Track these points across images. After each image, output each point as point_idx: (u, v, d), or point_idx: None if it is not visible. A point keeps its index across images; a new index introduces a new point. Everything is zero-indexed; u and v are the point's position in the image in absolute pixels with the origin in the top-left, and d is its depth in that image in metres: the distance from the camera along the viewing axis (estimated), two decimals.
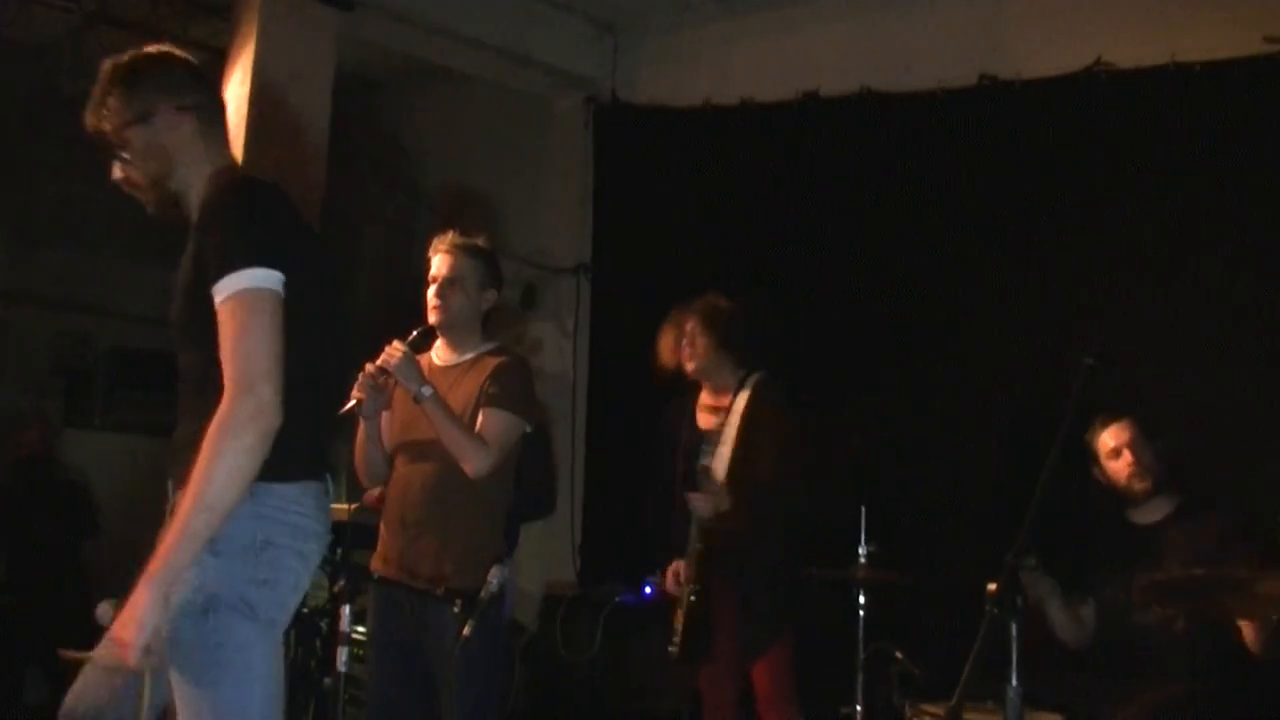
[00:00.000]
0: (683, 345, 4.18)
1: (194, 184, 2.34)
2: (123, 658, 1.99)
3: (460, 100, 6.94)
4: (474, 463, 3.35)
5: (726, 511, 3.93)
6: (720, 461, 4.02)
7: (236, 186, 2.29)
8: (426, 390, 3.32)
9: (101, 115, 2.31)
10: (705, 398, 4.26)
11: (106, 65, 2.35)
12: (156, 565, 2.01)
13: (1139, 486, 3.75)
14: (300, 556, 2.24)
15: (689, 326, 4.17)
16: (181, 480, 2.12)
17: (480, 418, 3.42)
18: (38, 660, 5.69)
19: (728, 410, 4.12)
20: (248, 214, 2.22)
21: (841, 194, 5.42)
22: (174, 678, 2.16)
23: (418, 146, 7.30)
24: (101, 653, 2.17)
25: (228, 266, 2.11)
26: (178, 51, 2.42)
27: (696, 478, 4.02)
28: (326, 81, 5.41)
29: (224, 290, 2.11)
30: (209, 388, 2.13)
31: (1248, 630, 3.37)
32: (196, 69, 2.42)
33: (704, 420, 4.21)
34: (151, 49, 2.40)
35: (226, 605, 2.12)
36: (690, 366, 4.17)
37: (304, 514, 2.24)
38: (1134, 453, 3.76)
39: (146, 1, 5.46)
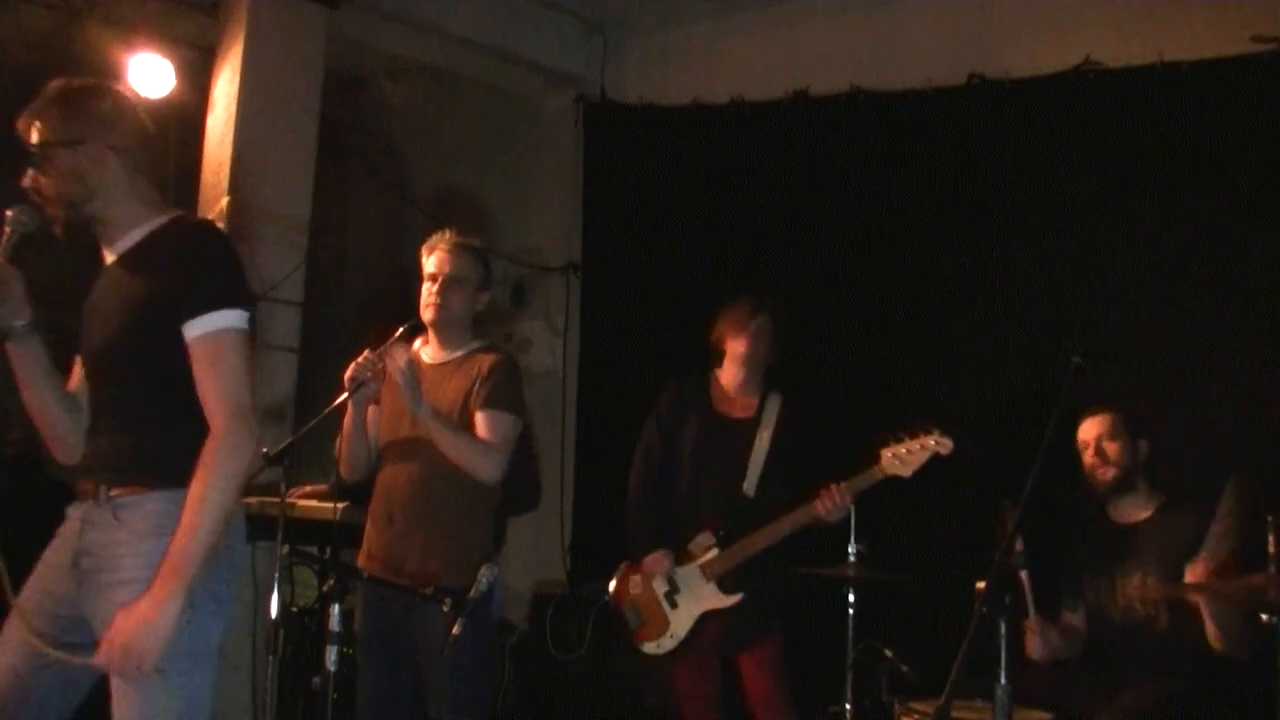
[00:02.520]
0: (750, 334, 4.14)
1: (119, 220, 2.49)
2: (141, 668, 2.21)
3: (449, 99, 6.92)
4: (486, 469, 3.38)
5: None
6: (756, 462, 4.04)
7: (209, 233, 2.53)
8: (426, 409, 3.32)
9: (34, 125, 2.44)
10: (724, 388, 4.22)
11: (58, 83, 2.51)
12: (175, 576, 2.24)
13: (1102, 477, 3.77)
14: (242, 555, 2.55)
15: (760, 318, 4.15)
16: (117, 483, 2.36)
17: (480, 420, 3.42)
18: None
19: (758, 410, 4.13)
20: (223, 259, 2.44)
21: (831, 193, 5.42)
22: (131, 678, 2.29)
23: (406, 145, 7.28)
24: (113, 662, 2.24)
25: (209, 305, 2.34)
26: (129, 94, 2.59)
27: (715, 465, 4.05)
28: (315, 80, 5.40)
29: (203, 327, 2.33)
30: (154, 406, 2.39)
31: (1211, 629, 3.38)
32: (139, 116, 2.54)
33: (725, 407, 4.18)
34: (109, 84, 2.57)
35: (202, 603, 2.34)
36: (749, 354, 4.13)
37: (240, 519, 2.50)
38: (1100, 445, 3.77)
39: None
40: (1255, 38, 4.40)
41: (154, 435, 2.39)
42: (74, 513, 2.46)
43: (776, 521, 3.90)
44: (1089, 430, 3.81)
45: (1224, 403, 4.35)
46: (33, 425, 2.54)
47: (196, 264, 2.39)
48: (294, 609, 4.67)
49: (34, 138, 2.44)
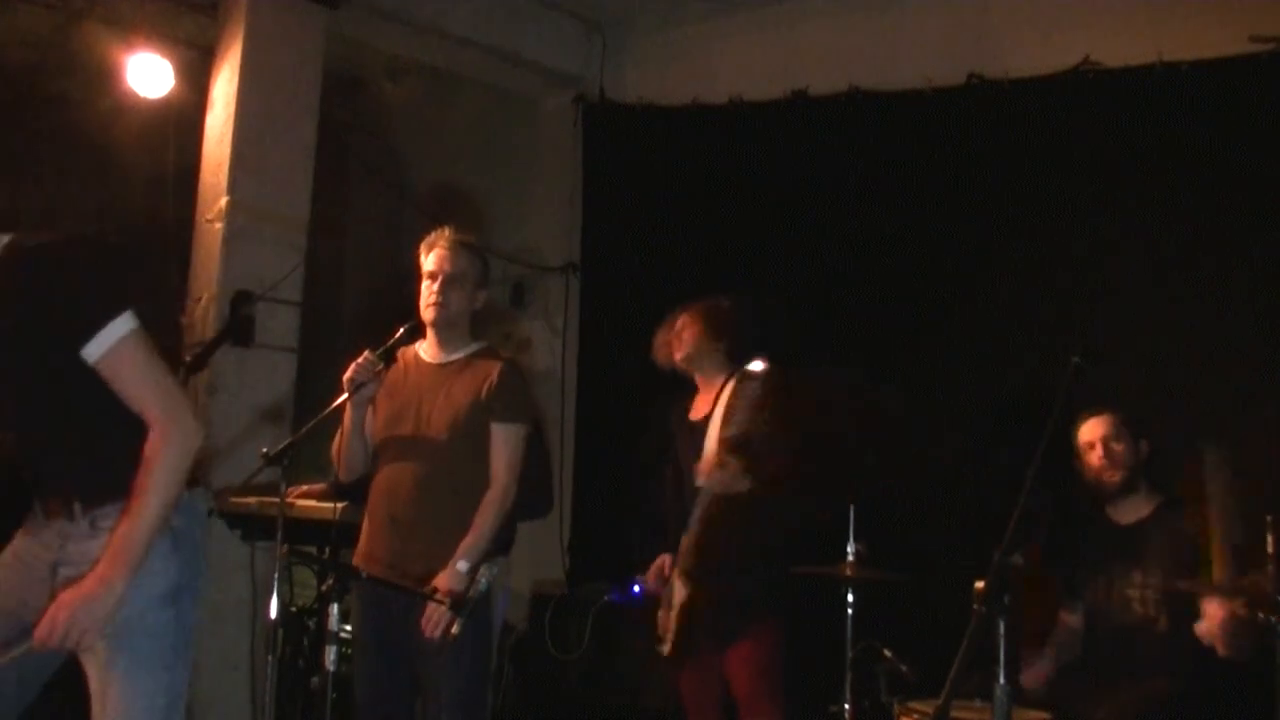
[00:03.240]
0: (673, 337, 4.17)
1: None
2: (78, 644, 2.29)
3: (448, 99, 6.92)
4: (513, 494, 3.42)
5: (734, 493, 3.88)
6: (708, 452, 4.00)
7: (58, 249, 2.41)
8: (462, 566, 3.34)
9: None
10: (699, 393, 4.24)
11: None
12: (123, 559, 2.30)
13: (1108, 479, 3.77)
14: (203, 541, 2.60)
15: (681, 319, 4.18)
16: (87, 501, 2.42)
17: (497, 434, 3.45)
18: None
19: (715, 399, 4.11)
20: (86, 265, 2.41)
21: (830, 192, 5.42)
22: (121, 664, 2.37)
23: (406, 145, 7.28)
24: (52, 635, 2.29)
25: (94, 328, 2.32)
26: None
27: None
28: (314, 80, 5.40)
29: (99, 348, 2.33)
30: (89, 425, 2.42)
31: (1215, 629, 3.37)
32: None
33: (695, 412, 4.20)
34: None
35: (186, 593, 2.46)
36: (678, 355, 4.16)
37: (200, 506, 2.59)
38: (1105, 446, 3.77)
39: None
40: (1254, 38, 4.40)
41: (101, 450, 2.44)
42: (43, 533, 2.50)
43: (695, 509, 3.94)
44: (1093, 431, 3.81)
45: (1224, 403, 4.35)
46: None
47: (61, 292, 2.35)
48: (293, 609, 4.67)
49: None
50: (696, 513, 3.93)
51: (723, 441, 3.84)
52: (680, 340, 4.15)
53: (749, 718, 3.93)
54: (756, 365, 3.81)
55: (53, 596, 2.38)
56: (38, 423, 2.47)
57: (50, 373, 2.38)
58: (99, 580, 2.29)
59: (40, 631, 2.29)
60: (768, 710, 3.91)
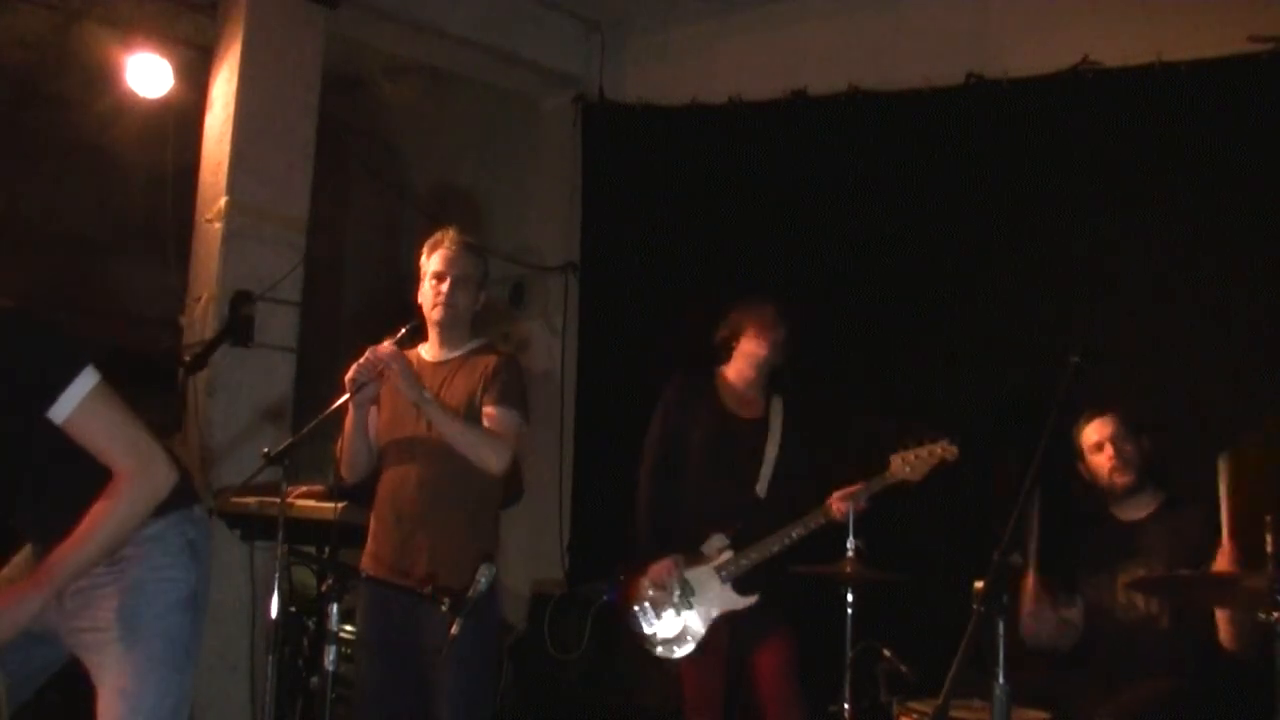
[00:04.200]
0: (775, 340, 4.17)
1: None
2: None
3: (447, 99, 6.92)
4: (494, 459, 3.38)
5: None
6: (768, 463, 4.10)
7: (10, 319, 2.41)
8: (428, 396, 3.33)
9: None
10: (730, 386, 4.22)
11: None
12: (45, 579, 2.32)
13: (1121, 480, 3.77)
14: (209, 551, 2.67)
15: (784, 329, 4.18)
16: (49, 543, 2.41)
17: (490, 415, 3.43)
18: None
19: (764, 411, 4.18)
20: (37, 331, 2.42)
21: (829, 192, 5.42)
22: (137, 664, 2.43)
23: (405, 145, 7.28)
24: None
25: (55, 390, 2.33)
26: None
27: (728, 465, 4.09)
28: (313, 80, 5.40)
29: (64, 409, 2.34)
30: (71, 479, 2.41)
31: (1225, 628, 3.38)
32: None
33: (736, 407, 4.19)
34: None
35: (199, 602, 2.56)
36: (766, 355, 4.17)
37: (203, 520, 2.68)
38: (1116, 446, 3.77)
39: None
40: (1252, 38, 4.40)
41: (73, 497, 2.42)
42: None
43: (791, 524, 3.96)
44: (1100, 432, 3.80)
45: (1223, 402, 4.35)
46: None
47: (16, 360, 2.37)
48: (292, 609, 4.67)
49: None
50: (788, 529, 3.96)
51: (889, 486, 3.95)
52: (778, 349, 4.18)
53: (780, 712, 3.97)
54: (948, 436, 3.95)
55: (59, 614, 2.46)
56: (5, 480, 2.50)
57: (13, 436, 2.41)
58: (17, 593, 2.31)
59: None
60: (798, 705, 3.98)
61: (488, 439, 3.39)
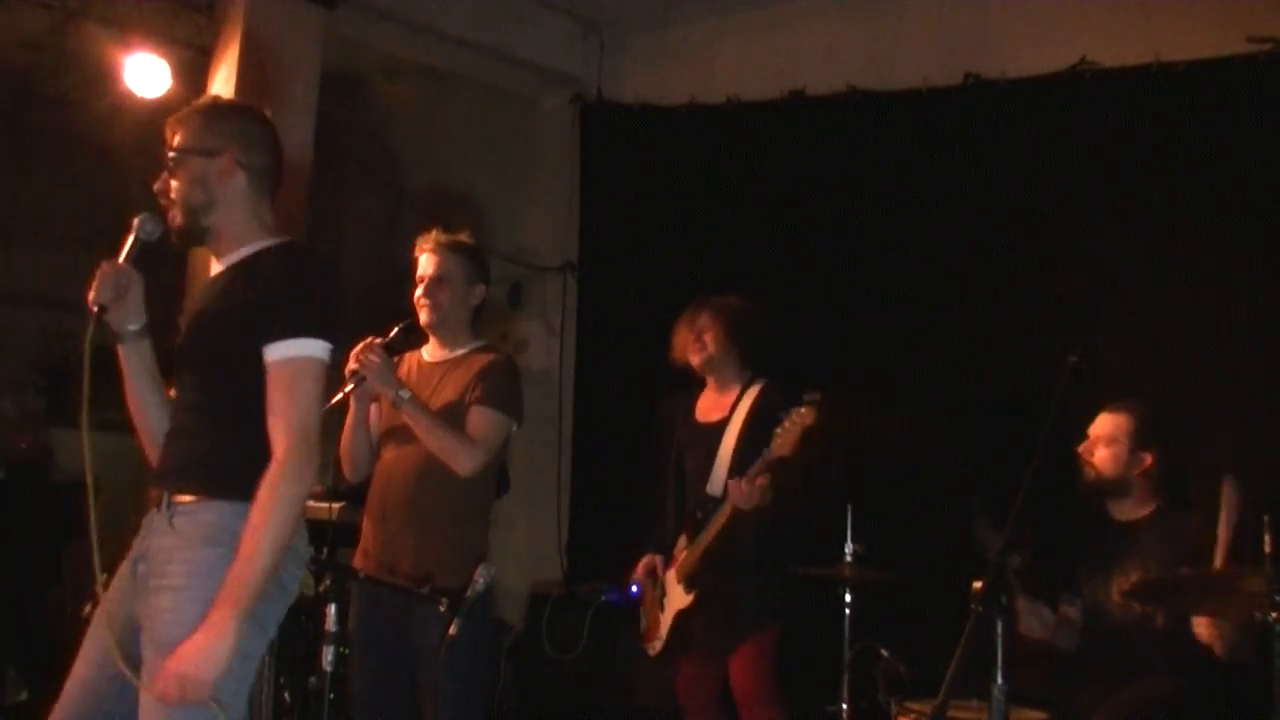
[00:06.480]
0: (694, 337, 4.18)
1: (232, 235, 2.54)
2: (195, 699, 2.16)
3: (445, 99, 6.92)
4: (461, 462, 3.35)
5: (755, 508, 3.87)
6: (721, 461, 4.04)
7: (311, 261, 2.52)
8: (405, 394, 3.33)
9: (178, 129, 2.54)
10: (708, 394, 4.25)
11: (210, 96, 2.72)
12: (231, 603, 2.21)
13: (1086, 472, 3.76)
14: (292, 578, 2.46)
15: (702, 319, 4.18)
16: (179, 490, 2.36)
17: (471, 415, 3.42)
18: (17, 660, 5.67)
19: (730, 409, 4.12)
20: (317, 288, 2.44)
21: (827, 192, 5.42)
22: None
23: (403, 145, 7.28)
24: (166, 691, 2.19)
25: (294, 332, 2.34)
26: (267, 116, 2.70)
27: (699, 470, 4.08)
28: (311, 80, 5.39)
29: (283, 351, 2.34)
30: (225, 417, 2.39)
31: (1212, 633, 3.36)
32: (278, 144, 2.69)
33: (703, 414, 4.21)
34: (259, 108, 2.70)
35: (251, 631, 2.29)
36: (697, 359, 4.17)
37: (301, 546, 2.48)
38: (1107, 444, 3.75)
39: None
40: (1251, 38, 4.40)
41: (221, 445, 2.40)
42: (144, 520, 2.47)
43: (716, 517, 3.94)
44: (1100, 426, 3.78)
45: (1223, 403, 4.35)
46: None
47: (289, 289, 2.40)
48: (290, 608, 4.65)
49: (174, 141, 2.53)
50: (714, 522, 3.93)
51: (770, 463, 3.80)
52: (702, 344, 4.16)
53: (753, 715, 3.96)
54: (812, 395, 3.77)
55: (134, 591, 2.37)
56: (187, 402, 2.46)
57: (224, 357, 2.39)
58: (209, 631, 2.19)
59: (155, 688, 2.20)
60: (772, 711, 3.95)
61: (458, 441, 3.37)
